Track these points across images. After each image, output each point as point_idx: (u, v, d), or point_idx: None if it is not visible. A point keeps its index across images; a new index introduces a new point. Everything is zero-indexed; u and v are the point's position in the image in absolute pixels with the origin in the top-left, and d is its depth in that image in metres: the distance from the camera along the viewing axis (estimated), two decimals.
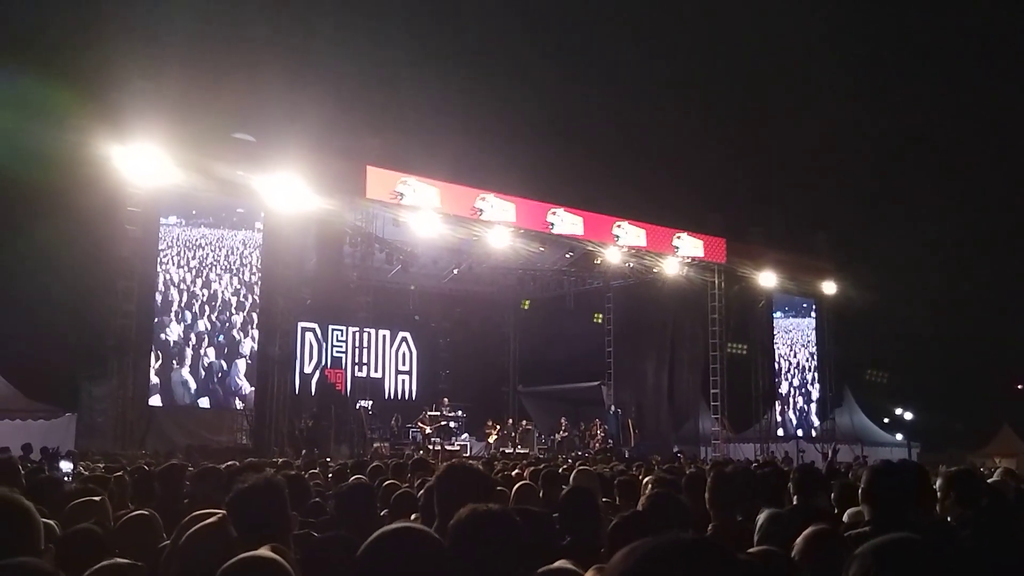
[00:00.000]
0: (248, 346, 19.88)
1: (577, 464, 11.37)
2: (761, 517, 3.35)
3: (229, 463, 6.36)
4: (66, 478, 7.25)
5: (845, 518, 5.24)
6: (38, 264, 18.51)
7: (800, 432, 30.06)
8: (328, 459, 14.61)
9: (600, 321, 29.73)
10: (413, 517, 4.99)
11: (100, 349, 18.80)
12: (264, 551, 2.28)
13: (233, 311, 19.83)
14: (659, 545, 1.28)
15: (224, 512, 2.70)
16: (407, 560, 1.90)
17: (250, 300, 20.16)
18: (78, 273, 18.79)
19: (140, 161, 17.37)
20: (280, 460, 10.47)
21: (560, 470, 8.46)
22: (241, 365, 19.71)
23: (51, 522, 2.92)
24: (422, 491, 5.96)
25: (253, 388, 19.77)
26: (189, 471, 5.81)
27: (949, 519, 3.88)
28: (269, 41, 29.40)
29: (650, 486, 5.20)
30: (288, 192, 19.24)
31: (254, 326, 20.00)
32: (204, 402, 19.20)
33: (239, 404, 19.72)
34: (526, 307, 30.71)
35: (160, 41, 23.79)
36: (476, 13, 35.37)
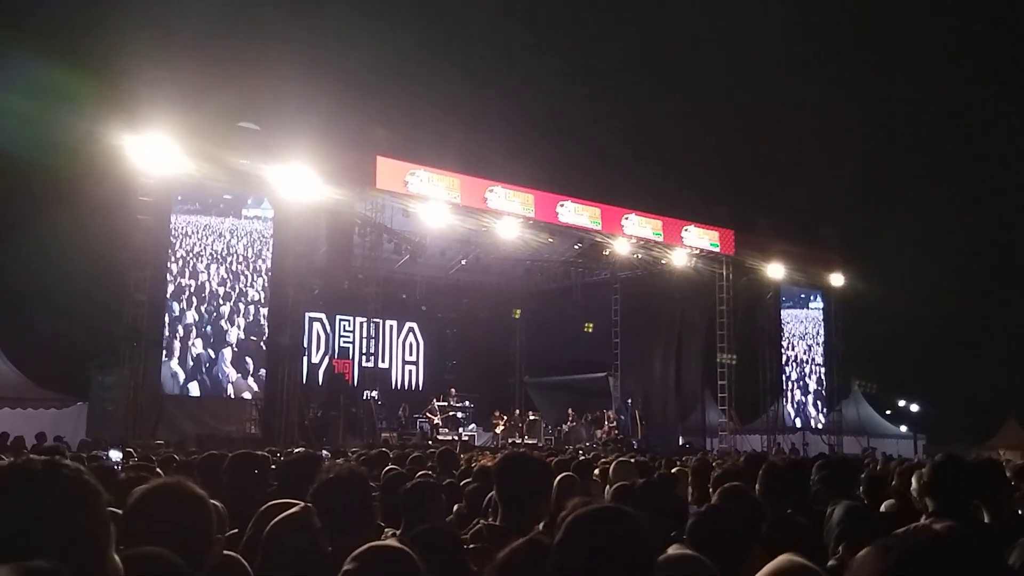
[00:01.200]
0: (235, 335, 19.60)
1: (612, 457, 11.33)
2: (838, 510, 3.35)
3: (265, 451, 6.35)
4: (116, 467, 7.28)
5: (883, 509, 5.29)
6: (50, 253, 18.56)
7: (798, 423, 30.02)
8: (342, 449, 14.64)
9: (590, 330, 29.87)
10: (456, 508, 5.01)
11: (111, 338, 18.82)
12: (392, 541, 2.29)
13: (220, 300, 19.54)
14: (918, 545, 1.21)
15: (302, 503, 2.70)
16: (620, 542, 1.87)
17: (236, 289, 19.84)
18: (90, 262, 18.81)
19: (152, 150, 17.37)
20: (298, 451, 10.45)
21: (580, 459, 8.45)
22: (227, 354, 19.47)
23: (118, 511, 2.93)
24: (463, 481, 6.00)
25: (239, 375, 19.51)
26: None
27: (1021, 512, 3.89)
28: (280, 31, 29.37)
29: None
30: (298, 182, 19.26)
31: (240, 315, 19.70)
32: (194, 389, 18.99)
33: (230, 391, 19.49)
34: (517, 316, 30.72)
35: (172, 30, 23.76)
36: (485, 6, 35.30)
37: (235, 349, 19.60)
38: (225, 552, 2.43)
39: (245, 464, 4.89)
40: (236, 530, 3.25)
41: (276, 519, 2.63)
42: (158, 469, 5.98)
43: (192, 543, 2.20)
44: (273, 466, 7.02)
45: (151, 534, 2.14)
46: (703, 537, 2.78)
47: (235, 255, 20.05)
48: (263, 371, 19.82)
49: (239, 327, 19.73)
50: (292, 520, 2.61)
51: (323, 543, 2.57)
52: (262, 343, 19.95)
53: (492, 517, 3.52)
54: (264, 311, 20.13)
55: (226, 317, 19.57)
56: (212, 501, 3.83)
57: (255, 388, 19.73)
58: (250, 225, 20.32)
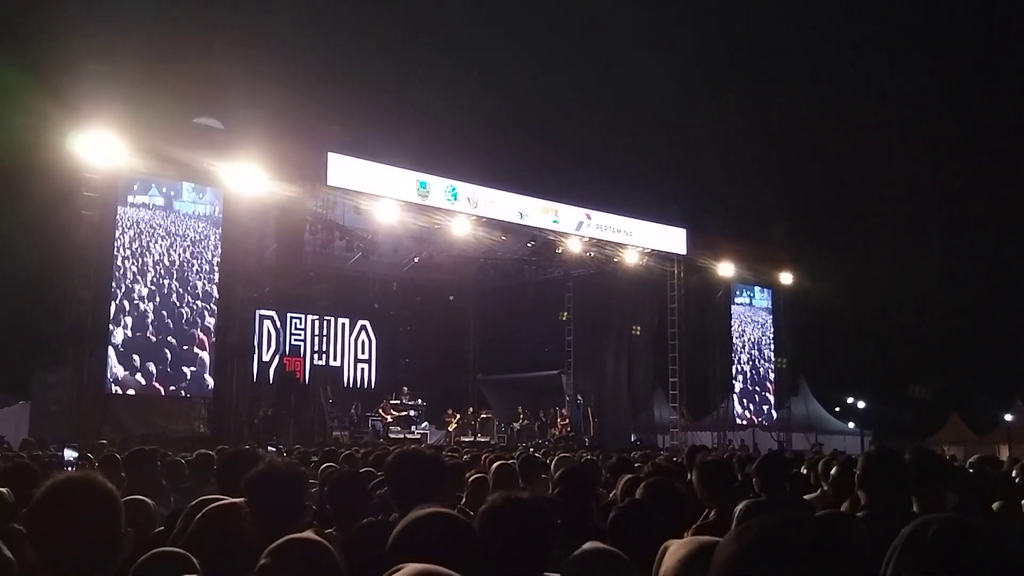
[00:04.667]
0: (120, 335, 18.28)
1: (558, 453, 11.37)
2: (739, 508, 3.37)
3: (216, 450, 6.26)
4: (69, 467, 7.12)
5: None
6: None
7: (748, 420, 30.30)
8: (284, 448, 14.52)
9: (565, 319, 29.68)
10: None
11: (55, 336, 18.44)
12: (309, 533, 2.26)
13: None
14: (773, 525, 1.22)
15: (229, 498, 2.66)
16: (439, 542, 1.89)
17: (123, 288, 18.37)
18: (33, 260, 18.41)
19: (96, 146, 17.04)
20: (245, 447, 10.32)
21: (527, 455, 8.44)
22: (112, 354, 18.15)
23: None
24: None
25: (127, 373, 18.29)
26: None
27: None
28: (228, 26, 29.01)
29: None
30: (248, 178, 19.02)
31: (126, 313, 18.41)
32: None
33: (115, 389, 18.53)
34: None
35: (115, 24, 23.34)
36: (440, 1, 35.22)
37: (120, 349, 18.28)
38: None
39: (144, 458, 4.83)
40: (162, 528, 3.20)
41: (202, 512, 2.58)
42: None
43: (98, 537, 2.16)
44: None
45: (55, 529, 2.10)
46: (622, 531, 2.78)
47: (121, 248, 18.49)
48: (151, 364, 18.54)
49: (125, 326, 18.37)
50: (218, 513, 2.57)
51: (250, 535, 2.53)
52: (149, 335, 18.62)
53: None
54: (151, 306, 18.70)
55: (111, 317, 18.17)
56: (143, 498, 3.78)
57: (143, 382, 18.51)
58: (136, 214, 18.79)
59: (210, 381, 19.40)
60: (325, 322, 24.02)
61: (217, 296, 19.69)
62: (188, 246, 19.49)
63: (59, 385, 18.70)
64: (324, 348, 24.32)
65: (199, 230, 19.67)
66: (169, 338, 18.90)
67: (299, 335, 27.15)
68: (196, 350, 19.25)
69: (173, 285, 19.18)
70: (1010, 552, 1.55)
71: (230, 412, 19.64)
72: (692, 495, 3.92)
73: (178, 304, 19.19)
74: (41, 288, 18.68)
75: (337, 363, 28.58)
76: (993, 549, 1.55)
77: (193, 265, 19.54)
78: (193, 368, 19.24)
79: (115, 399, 18.40)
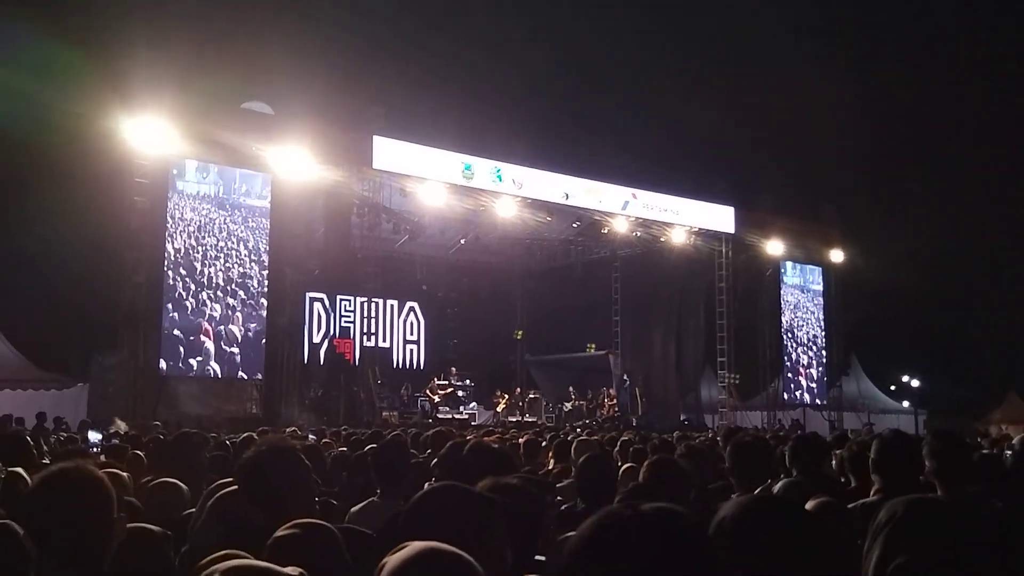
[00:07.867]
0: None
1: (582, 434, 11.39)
2: (777, 487, 3.36)
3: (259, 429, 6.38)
4: (94, 448, 7.36)
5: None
6: (48, 235, 18.57)
7: (799, 399, 29.94)
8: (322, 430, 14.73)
9: (520, 337, 30.02)
10: None
11: (110, 320, 18.87)
12: (315, 520, 2.31)
13: None
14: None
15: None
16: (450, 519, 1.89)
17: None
18: (87, 244, 18.82)
19: (148, 132, 17.35)
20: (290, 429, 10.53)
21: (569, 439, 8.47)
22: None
23: None
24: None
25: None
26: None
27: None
28: (274, 11, 29.25)
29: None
30: (295, 163, 19.22)
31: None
32: None
33: None
34: (519, 336, 30.65)
35: (166, 10, 23.65)
36: None
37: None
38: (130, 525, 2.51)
39: (188, 443, 4.97)
40: (192, 510, 3.30)
41: (215, 496, 2.66)
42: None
43: (89, 525, 2.28)
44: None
45: (47, 520, 2.25)
46: None
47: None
48: (161, 361, 18.38)
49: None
50: (228, 496, 2.63)
51: (256, 516, 2.56)
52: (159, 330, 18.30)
53: None
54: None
55: (163, 301, 18.25)
56: (175, 481, 3.90)
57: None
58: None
59: (215, 368, 19.09)
60: (373, 304, 24.21)
61: (268, 277, 19.93)
62: (193, 231, 18.96)
63: (116, 367, 19.16)
64: (373, 329, 24.52)
65: (203, 212, 19.15)
66: (175, 331, 18.54)
67: (348, 317, 27.44)
68: (203, 338, 18.85)
69: (179, 273, 18.67)
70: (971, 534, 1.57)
71: (281, 393, 19.97)
72: (690, 473, 3.89)
73: (184, 295, 18.69)
74: (96, 273, 19.11)
75: (386, 344, 28.81)
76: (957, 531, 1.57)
77: (199, 250, 19.00)
78: (199, 358, 18.81)
79: (171, 381, 18.82)
